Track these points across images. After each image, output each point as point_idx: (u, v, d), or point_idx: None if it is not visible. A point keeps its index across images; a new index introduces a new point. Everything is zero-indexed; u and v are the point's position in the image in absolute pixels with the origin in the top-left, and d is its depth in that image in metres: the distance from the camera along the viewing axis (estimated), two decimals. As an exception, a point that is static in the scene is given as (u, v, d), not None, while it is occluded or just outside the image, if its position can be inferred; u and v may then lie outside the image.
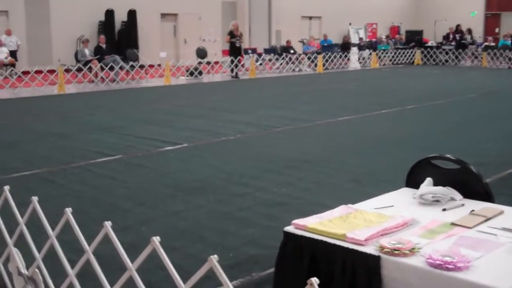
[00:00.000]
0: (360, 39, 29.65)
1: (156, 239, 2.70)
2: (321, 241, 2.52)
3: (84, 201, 5.85)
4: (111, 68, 18.64)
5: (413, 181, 3.22)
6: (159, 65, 20.47)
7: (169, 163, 7.64)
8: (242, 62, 21.73)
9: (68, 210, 3.08)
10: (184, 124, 10.75)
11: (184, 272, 2.75)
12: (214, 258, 2.48)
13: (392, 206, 2.94)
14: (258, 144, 8.92)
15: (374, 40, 29.97)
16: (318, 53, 24.72)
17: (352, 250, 2.41)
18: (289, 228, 2.69)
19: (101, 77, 18.49)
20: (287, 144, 8.84)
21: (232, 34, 20.92)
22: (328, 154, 8.10)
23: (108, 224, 2.82)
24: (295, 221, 2.69)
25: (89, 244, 2.94)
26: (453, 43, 28.49)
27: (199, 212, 5.48)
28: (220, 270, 2.43)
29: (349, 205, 2.92)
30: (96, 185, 6.49)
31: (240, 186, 6.39)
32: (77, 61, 19.23)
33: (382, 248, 2.34)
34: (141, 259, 2.75)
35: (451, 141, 8.91)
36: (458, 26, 29.34)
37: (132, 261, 2.61)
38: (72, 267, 3.09)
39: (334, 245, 2.47)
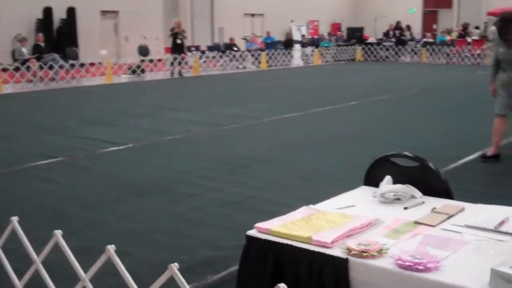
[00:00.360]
0: (303, 36, 29.85)
1: (111, 248, 2.57)
2: (286, 244, 2.45)
3: (28, 206, 5.59)
4: (51, 67, 18.07)
5: (372, 180, 3.19)
6: (100, 63, 19.97)
7: (115, 164, 7.43)
8: (185, 60, 21.49)
9: (15, 219, 2.91)
10: (128, 123, 10.51)
11: (137, 278, 2.63)
12: (175, 266, 2.37)
13: (354, 205, 2.90)
14: (206, 142, 8.80)
15: (316, 37, 30.24)
16: (262, 50, 24.74)
17: (319, 253, 2.34)
18: (252, 232, 2.61)
19: (40, 77, 17.89)
20: (235, 142, 8.76)
21: (174, 31, 20.67)
22: (277, 152, 8.07)
23: (58, 233, 2.67)
24: (258, 225, 2.60)
25: (36, 253, 2.79)
26: (393, 39, 29.04)
27: (150, 214, 5.33)
28: (182, 279, 2.33)
29: (311, 206, 2.86)
30: (40, 189, 6.23)
31: (191, 186, 6.26)
32: (14, 60, 18.55)
33: (349, 250, 2.29)
34: (95, 268, 2.62)
35: (397, 137, 9.03)
36: (397, 22, 29.94)
37: (81, 268, 2.49)
38: (19, 277, 2.93)
39: (300, 248, 2.40)
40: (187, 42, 23.18)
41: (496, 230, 2.51)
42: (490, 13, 30.06)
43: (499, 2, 29.77)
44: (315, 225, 2.60)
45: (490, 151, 7.34)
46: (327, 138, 9.05)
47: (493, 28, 28.89)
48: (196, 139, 9.11)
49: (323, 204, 2.97)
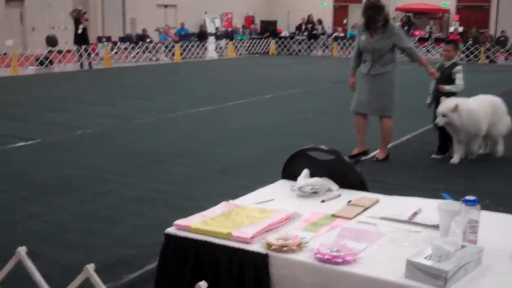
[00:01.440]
0: (217, 28, 29.77)
1: (23, 250, 2.45)
2: (206, 241, 2.41)
3: None
4: (-50, 57, 17.05)
5: (290, 173, 3.21)
6: (5, 54, 19.06)
7: (23, 161, 7.10)
8: (96, 51, 20.87)
9: None
10: (36, 117, 10.09)
11: (50, 280, 2.53)
12: (91, 267, 2.29)
13: (273, 200, 2.90)
14: (119, 137, 8.58)
15: (230, 29, 30.24)
16: (176, 42, 24.45)
17: (239, 249, 2.33)
18: (171, 230, 2.55)
19: None
20: (150, 136, 8.60)
21: (76, 20, 19.82)
22: (194, 145, 8.00)
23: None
24: (177, 222, 2.55)
25: None
26: (305, 33, 29.53)
27: (61, 213, 5.12)
28: (98, 281, 2.25)
29: (230, 201, 2.84)
30: None
31: (104, 183, 6.08)
32: None
33: (269, 245, 2.29)
34: (5, 271, 2.49)
35: (311, 130, 9.18)
36: (309, 16, 30.45)
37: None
38: None
39: (220, 245, 2.37)
40: (98, 33, 22.51)
41: (409, 221, 2.59)
42: (397, 9, 31.23)
43: (405, -1, 31.01)
44: (235, 220, 2.58)
45: (355, 150, 7.12)
46: (244, 131, 9.07)
47: (398, 23, 30.10)
48: (108, 133, 8.87)
49: (243, 199, 2.96)
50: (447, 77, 7.23)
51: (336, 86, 15.34)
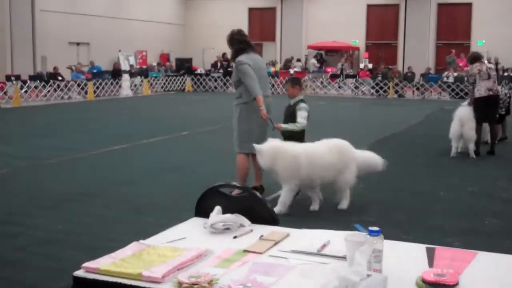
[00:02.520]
0: (131, 66, 29.55)
1: None
2: (116, 283, 2.36)
3: None
4: None
5: (202, 210, 3.21)
6: None
7: None
8: (4, 90, 20.19)
9: None
10: None
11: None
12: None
13: (185, 238, 2.89)
14: (27, 177, 8.29)
15: (145, 67, 30.11)
16: (88, 80, 24.05)
17: (149, 289, 2.29)
18: (79, 272, 2.48)
19: None
20: (61, 176, 8.35)
21: None
22: (106, 185, 7.83)
23: None
24: (86, 264, 2.48)
25: None
26: (221, 70, 29.84)
27: (-36, 259, 4.87)
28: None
29: (141, 241, 2.80)
30: None
31: (11, 225, 5.84)
32: None
33: (180, 284, 2.27)
34: None
35: (226, 166, 9.19)
36: (224, 54, 30.81)
37: None
38: None
39: (130, 286, 2.33)
40: (6, 71, 21.79)
41: (319, 253, 2.65)
42: (309, 46, 32.23)
43: (317, 37, 32.07)
44: (146, 260, 2.54)
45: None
46: (158, 169, 8.99)
47: (313, 61, 31.08)
48: (17, 174, 8.55)
49: (154, 238, 2.93)
50: (291, 115, 6.96)
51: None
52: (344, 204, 6.54)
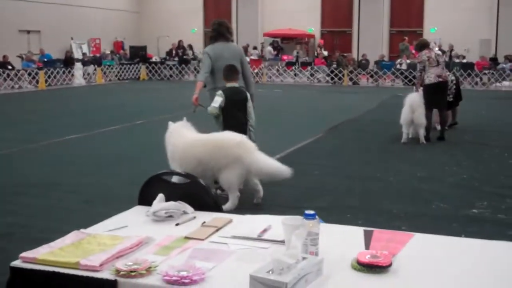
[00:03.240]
0: (84, 54, 29.02)
1: None
2: (53, 272, 2.35)
3: None
4: None
5: (146, 199, 3.21)
6: None
7: None
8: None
9: None
10: None
11: None
12: None
13: (126, 226, 2.89)
14: (-25, 170, 8.10)
15: (98, 55, 29.63)
16: (39, 69, 23.53)
17: (87, 277, 2.29)
18: (16, 263, 2.45)
19: None
20: (9, 169, 8.18)
21: None
22: (58, 175, 7.71)
23: None
24: (23, 254, 2.46)
25: None
26: (176, 58, 29.61)
27: None
28: None
29: (81, 230, 2.78)
30: None
31: (-44, 219, 5.71)
32: None
33: (118, 271, 2.27)
34: None
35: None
36: (180, 42, 30.59)
37: None
38: None
39: (68, 274, 2.32)
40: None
41: (259, 238, 2.68)
42: (265, 34, 32.25)
43: (273, 24, 32.11)
44: (86, 249, 2.53)
45: None
46: (111, 158, 8.90)
47: (269, 48, 31.12)
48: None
49: (95, 227, 2.91)
50: None
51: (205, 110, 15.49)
52: (227, 205, 5.80)
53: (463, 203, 6.42)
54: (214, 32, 7.32)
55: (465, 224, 5.69)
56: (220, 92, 6.68)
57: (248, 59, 28.41)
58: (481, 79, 24.55)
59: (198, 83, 7.14)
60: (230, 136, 6.01)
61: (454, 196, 6.75)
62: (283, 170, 5.85)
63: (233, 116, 6.64)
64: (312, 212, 2.40)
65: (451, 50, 27.02)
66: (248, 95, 6.82)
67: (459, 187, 7.17)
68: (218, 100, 6.60)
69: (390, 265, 2.34)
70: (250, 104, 6.75)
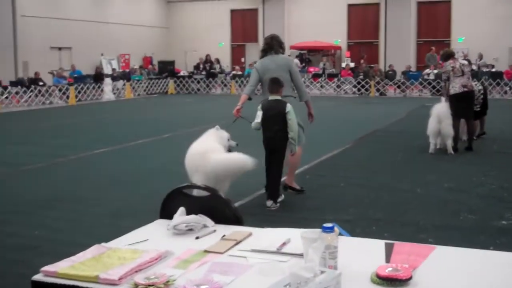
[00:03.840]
0: (113, 69, 29.44)
1: None
2: (73, 286, 2.37)
3: None
4: None
5: (167, 212, 3.22)
6: None
7: None
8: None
9: None
10: None
11: None
12: None
13: (147, 240, 2.90)
14: (5, 184, 8.24)
15: (127, 70, 30.02)
16: (70, 85, 23.94)
17: (106, 291, 2.31)
18: (38, 277, 2.48)
19: None
20: (39, 183, 8.32)
21: None
22: (85, 189, 7.81)
23: None
24: (44, 268, 2.49)
25: None
26: (204, 72, 29.84)
27: None
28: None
29: (102, 244, 2.80)
30: None
31: (-14, 232, 5.82)
32: None
33: (136, 285, 2.28)
34: None
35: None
36: (207, 56, 30.84)
37: None
38: None
39: (87, 288, 2.34)
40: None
41: (278, 252, 2.67)
42: (292, 47, 32.31)
43: (299, 37, 32.16)
44: (106, 263, 2.55)
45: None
46: (137, 172, 8.98)
47: (296, 61, 31.16)
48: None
49: (116, 241, 2.93)
50: None
51: (235, 123, 15.53)
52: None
53: (491, 215, 6.31)
54: (265, 46, 7.52)
55: (494, 236, 5.59)
56: (259, 106, 6.84)
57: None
58: (510, 88, 24.17)
59: (243, 96, 7.41)
60: (200, 144, 6.21)
61: (483, 207, 6.64)
62: (245, 160, 5.83)
63: (268, 129, 6.74)
64: (330, 225, 2.38)
65: (480, 59, 26.68)
66: (289, 107, 6.70)
67: (488, 198, 7.05)
68: (258, 115, 6.78)
69: (410, 278, 2.30)
70: (290, 116, 6.66)
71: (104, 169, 9.31)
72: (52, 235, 5.72)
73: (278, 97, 6.80)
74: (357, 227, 5.82)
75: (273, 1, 33.05)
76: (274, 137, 6.69)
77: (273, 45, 7.41)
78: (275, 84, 6.83)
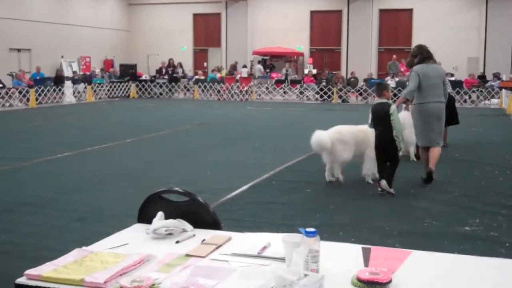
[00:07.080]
0: (74, 72, 29.04)
1: None
2: (57, 290, 2.37)
3: None
4: None
5: (145, 217, 3.24)
6: None
7: None
8: None
9: None
10: None
11: None
12: None
13: (127, 244, 2.91)
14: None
15: (88, 73, 29.66)
16: (30, 87, 23.51)
17: (91, 295, 2.31)
18: (22, 280, 2.47)
19: None
20: (2, 186, 8.17)
21: None
22: (50, 193, 7.71)
23: None
24: (28, 272, 2.48)
25: None
26: (166, 76, 29.70)
27: None
28: None
29: (84, 248, 2.81)
30: None
31: (-50, 237, 5.69)
32: None
33: (122, 288, 2.30)
34: None
35: (173, 171, 9.23)
36: (170, 60, 30.71)
37: None
38: None
39: (72, 292, 2.35)
40: None
41: (259, 256, 2.72)
42: (255, 52, 32.45)
43: (262, 42, 32.35)
44: (89, 267, 2.56)
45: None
46: (103, 176, 8.91)
47: (259, 66, 31.29)
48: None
49: (97, 245, 2.94)
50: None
51: (198, 128, 15.55)
52: None
53: (455, 221, 6.49)
54: (425, 54, 8.30)
55: (457, 242, 5.75)
56: (370, 109, 7.99)
57: (237, 77, 28.62)
58: (469, 96, 24.80)
59: (401, 98, 8.69)
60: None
61: (446, 214, 6.81)
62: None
63: (377, 128, 7.86)
64: (313, 229, 2.44)
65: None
66: (392, 108, 7.68)
67: (451, 205, 7.24)
68: (370, 117, 7.96)
69: (390, 281, 2.38)
70: (393, 117, 7.64)
71: (69, 173, 9.20)
72: (20, 239, 5.64)
73: (384, 100, 7.84)
74: (324, 233, 5.88)
75: (236, 6, 33.16)
76: (381, 134, 7.75)
77: (425, 53, 8.29)
78: (381, 89, 7.99)
